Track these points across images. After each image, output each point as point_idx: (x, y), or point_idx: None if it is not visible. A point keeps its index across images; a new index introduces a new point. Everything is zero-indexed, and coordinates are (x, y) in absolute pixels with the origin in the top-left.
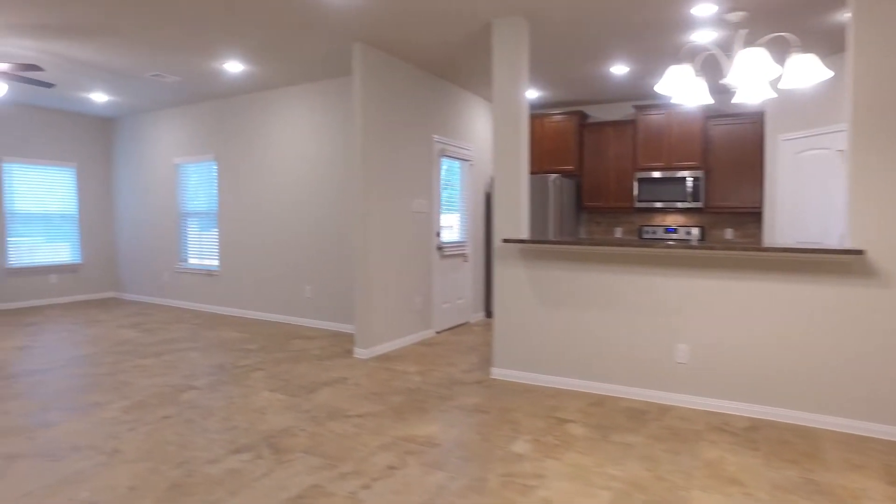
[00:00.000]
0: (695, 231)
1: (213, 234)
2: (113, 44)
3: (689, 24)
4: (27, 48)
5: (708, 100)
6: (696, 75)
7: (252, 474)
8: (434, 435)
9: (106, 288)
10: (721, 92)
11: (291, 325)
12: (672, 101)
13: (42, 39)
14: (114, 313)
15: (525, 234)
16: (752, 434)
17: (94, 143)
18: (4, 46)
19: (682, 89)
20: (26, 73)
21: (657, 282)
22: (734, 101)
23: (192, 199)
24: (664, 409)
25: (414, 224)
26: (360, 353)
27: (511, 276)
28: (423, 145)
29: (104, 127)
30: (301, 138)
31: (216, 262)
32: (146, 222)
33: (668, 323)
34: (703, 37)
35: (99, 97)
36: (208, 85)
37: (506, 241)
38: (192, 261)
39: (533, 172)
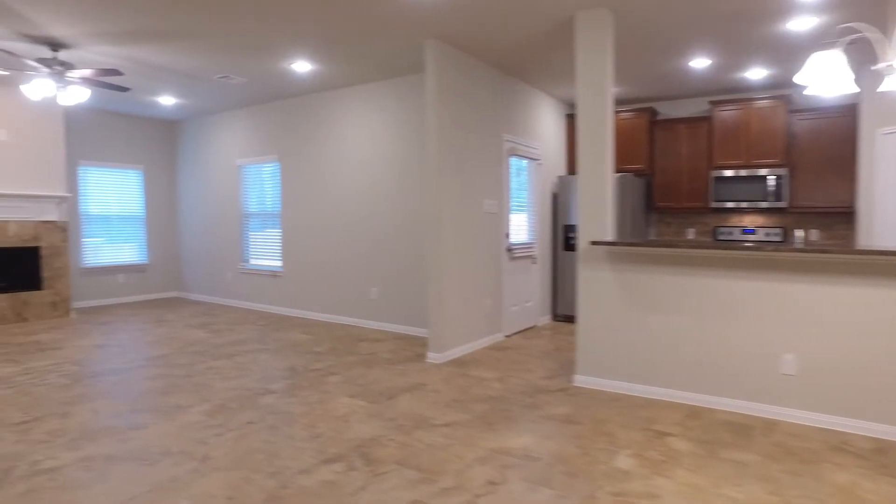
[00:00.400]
0: (776, 232)
1: (275, 235)
2: (186, 47)
3: (785, 11)
4: (106, 54)
5: (853, 89)
6: (842, 62)
7: (348, 487)
8: (529, 447)
9: (170, 288)
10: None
11: (356, 328)
12: (809, 91)
13: (121, 45)
14: (180, 313)
15: (610, 236)
16: (882, 458)
17: (159, 146)
18: (87, 54)
19: (826, 78)
20: (107, 77)
21: (759, 287)
22: (808, 92)
23: (255, 199)
24: (770, 424)
25: (484, 225)
26: (434, 357)
27: (597, 279)
28: (492, 144)
29: (169, 130)
30: (366, 137)
31: (279, 263)
32: (209, 223)
33: (771, 331)
34: (800, 25)
35: (167, 100)
36: (274, 86)
37: (594, 243)
38: (254, 261)
39: None
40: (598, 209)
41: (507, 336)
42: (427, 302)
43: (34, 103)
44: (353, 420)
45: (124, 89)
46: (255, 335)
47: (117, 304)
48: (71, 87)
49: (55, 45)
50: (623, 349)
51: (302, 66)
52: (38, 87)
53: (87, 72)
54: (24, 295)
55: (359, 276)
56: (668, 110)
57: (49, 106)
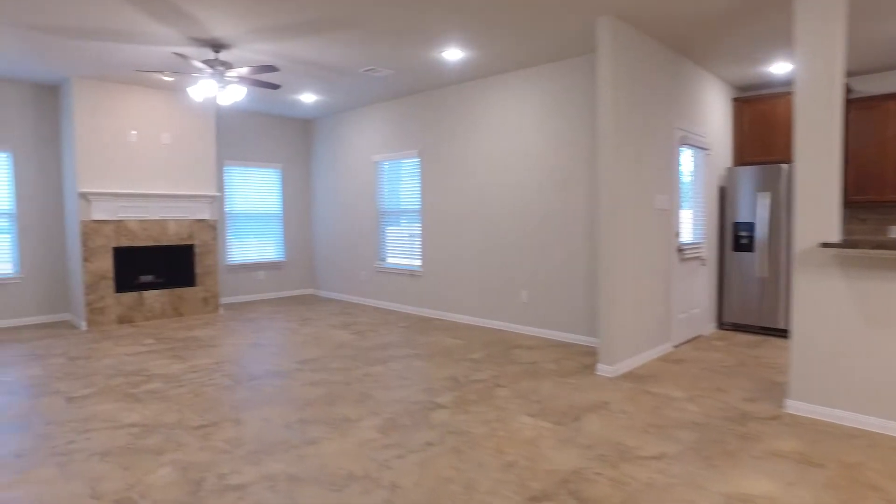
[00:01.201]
0: None
1: (415, 233)
2: (337, 39)
3: None
4: (262, 52)
5: None
6: None
7: None
8: (776, 497)
9: (305, 285)
10: None
11: (506, 333)
12: None
13: (276, 41)
14: (319, 312)
15: (836, 236)
16: None
17: (296, 145)
18: (244, 53)
19: None
20: (264, 74)
21: None
22: None
23: (392, 196)
24: None
25: (656, 223)
26: (605, 370)
27: (822, 288)
28: (664, 132)
29: (305, 128)
30: (517, 128)
31: (418, 262)
32: (343, 221)
33: None
34: None
35: (308, 98)
36: (419, 77)
37: (825, 245)
38: (390, 260)
39: (769, 161)
40: (823, 204)
41: (676, 346)
42: (584, 306)
43: (191, 107)
44: (543, 446)
45: (275, 86)
46: (400, 338)
47: (257, 300)
48: (230, 87)
49: (217, 46)
50: (858, 374)
51: (453, 55)
52: (203, 89)
53: (244, 70)
54: (179, 291)
55: (507, 278)
56: (863, 86)
57: (203, 108)
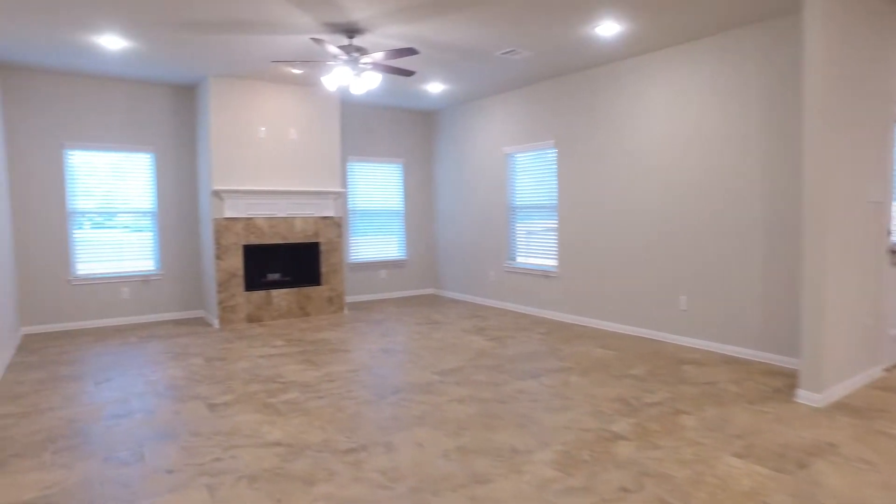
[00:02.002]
0: None
1: (550, 231)
2: (478, 17)
3: None
4: (395, 36)
5: None
6: None
7: None
8: None
9: (427, 285)
10: None
11: (660, 343)
12: None
13: (412, 23)
14: (446, 314)
15: None
16: None
17: (418, 139)
18: (377, 38)
19: None
20: (402, 57)
21: None
22: None
23: (524, 191)
24: None
25: (866, 218)
26: (810, 397)
27: None
28: (878, 109)
29: (427, 121)
30: (677, 113)
31: (553, 262)
32: (469, 217)
33: None
34: None
35: (434, 87)
36: (562, 58)
37: None
38: (521, 259)
39: None
40: None
41: (886, 370)
42: (760, 316)
43: (317, 102)
44: (772, 502)
45: (410, 73)
46: (543, 347)
47: (379, 300)
48: (364, 74)
49: (351, 32)
50: None
51: (608, 29)
52: (337, 77)
53: (380, 55)
54: (306, 290)
55: (661, 281)
56: None
57: (329, 103)
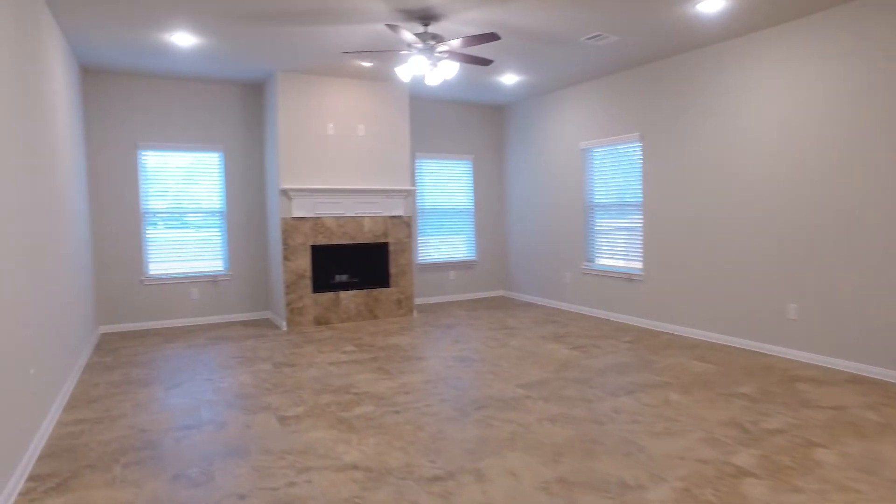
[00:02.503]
0: None
1: (633, 231)
2: (563, 0)
3: None
4: (469, 22)
5: None
6: None
7: None
8: None
9: (496, 286)
10: None
11: (765, 356)
12: None
13: (490, 6)
14: (520, 318)
15: None
16: None
17: (487, 134)
18: (453, 25)
19: None
20: (483, 44)
21: None
22: None
23: (604, 188)
24: None
25: None
26: None
27: None
28: None
29: (497, 116)
30: (792, 97)
31: (638, 265)
32: (543, 216)
33: None
34: None
35: (509, 79)
36: (652, 43)
37: None
38: (601, 261)
39: None
40: None
41: None
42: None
43: (386, 97)
44: None
45: (487, 62)
46: (632, 358)
47: (447, 302)
48: (441, 64)
49: (426, 19)
50: None
51: (711, 5)
52: (412, 67)
53: (458, 42)
54: (375, 292)
55: (764, 287)
56: None
57: (398, 98)
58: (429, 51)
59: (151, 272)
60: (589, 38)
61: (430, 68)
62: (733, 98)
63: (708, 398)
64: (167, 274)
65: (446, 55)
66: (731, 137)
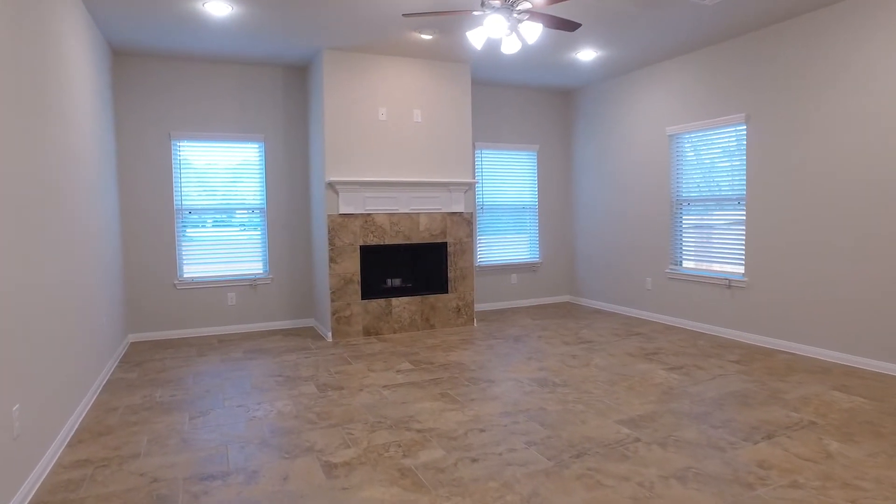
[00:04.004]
0: None
1: (733, 228)
2: None
3: None
4: None
5: None
6: None
7: None
8: None
9: (561, 291)
10: None
11: None
12: None
13: None
14: (596, 329)
15: None
16: None
17: (554, 122)
18: None
19: None
20: (562, 3)
21: None
22: None
23: (696, 180)
24: None
25: None
26: None
27: None
28: None
29: (564, 101)
30: None
31: (739, 269)
32: (618, 213)
33: None
34: None
35: (586, 55)
36: (767, 3)
37: None
38: (690, 264)
39: None
40: None
41: None
42: None
43: (445, 78)
44: None
45: (576, 26)
46: (750, 384)
47: (508, 308)
48: (522, 26)
49: None
50: None
51: None
52: (489, 29)
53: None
54: (431, 298)
55: None
56: None
57: (458, 78)
58: (507, 9)
59: (185, 275)
60: None
61: (507, 32)
62: (873, 65)
63: (885, 451)
64: (202, 277)
65: (527, 15)
66: (870, 119)
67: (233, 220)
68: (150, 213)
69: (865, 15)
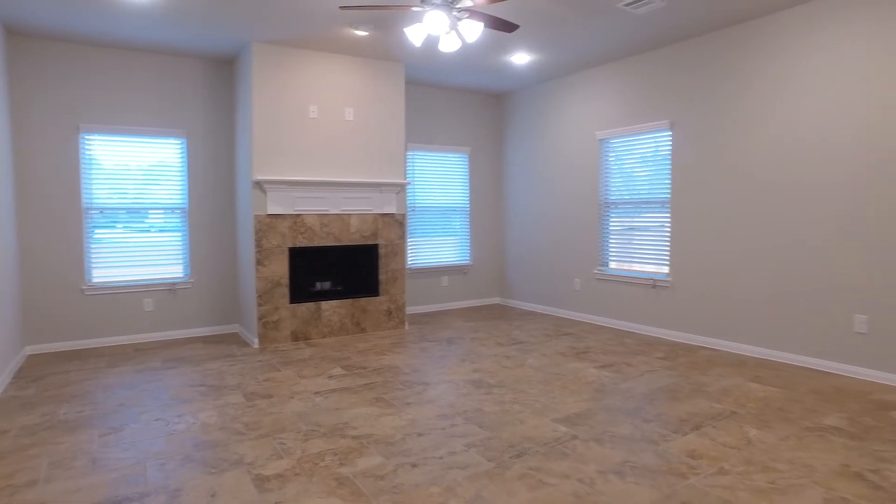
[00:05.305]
0: None
1: (658, 230)
2: None
3: None
4: None
5: None
6: None
7: None
8: None
9: (492, 293)
10: None
11: (831, 375)
12: None
13: None
14: (528, 330)
15: None
16: None
17: (486, 125)
18: None
19: None
20: (502, 4)
21: None
22: None
23: (623, 183)
24: None
25: None
26: None
27: None
28: None
29: (497, 105)
30: (872, 73)
31: (664, 269)
32: (548, 215)
33: None
34: None
35: (520, 58)
36: (700, 12)
37: None
38: (617, 265)
39: None
40: None
41: None
42: None
43: (378, 76)
44: None
45: (514, 27)
46: (677, 378)
47: (439, 311)
48: (462, 24)
49: None
50: None
51: None
52: (428, 25)
53: None
54: (362, 301)
55: (825, 294)
56: None
57: (392, 77)
58: (448, 6)
59: (95, 280)
60: (629, 4)
61: (447, 29)
62: (792, 76)
63: (796, 435)
64: (115, 282)
65: (467, 14)
66: (783, 124)
67: (150, 220)
68: (54, 213)
69: (777, 30)
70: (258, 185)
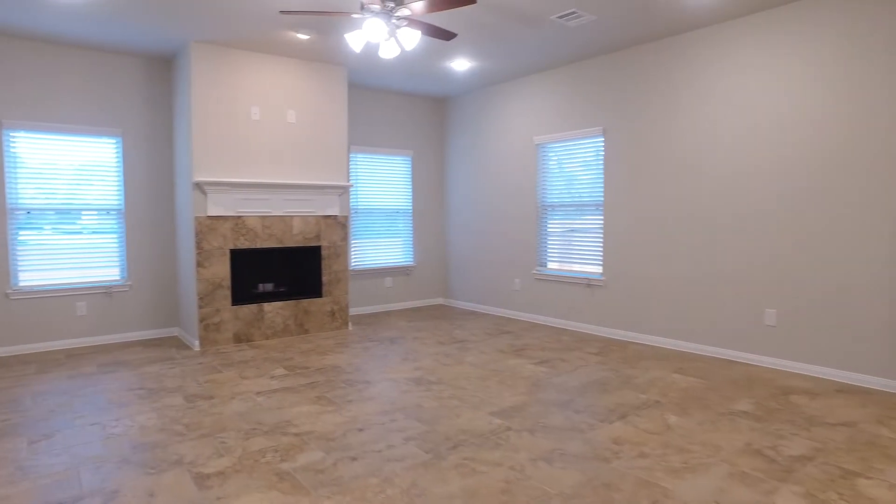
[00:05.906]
0: None
1: (592, 232)
2: None
3: None
4: None
5: None
6: None
7: None
8: None
9: (435, 294)
10: None
11: (744, 365)
12: None
13: None
14: (469, 329)
15: None
16: None
17: (429, 128)
18: None
19: None
20: (452, 8)
21: None
22: None
23: (560, 187)
24: None
25: None
26: None
27: None
28: None
29: (439, 109)
30: (780, 88)
31: (598, 269)
32: (489, 218)
33: None
34: None
35: (460, 65)
36: (628, 26)
37: None
38: (554, 266)
39: None
40: None
41: None
42: (889, 335)
43: (321, 79)
44: None
45: (451, 36)
46: (608, 372)
47: (383, 311)
48: (400, 32)
49: None
50: None
51: None
52: (367, 32)
53: (420, 6)
54: (305, 302)
55: (740, 291)
56: None
57: (334, 80)
58: (387, 14)
59: (22, 283)
60: (561, 17)
61: (386, 36)
62: (710, 90)
63: (710, 419)
64: (44, 285)
65: (406, 22)
66: (705, 133)
67: (83, 221)
68: None
69: (704, 44)
70: (198, 186)
